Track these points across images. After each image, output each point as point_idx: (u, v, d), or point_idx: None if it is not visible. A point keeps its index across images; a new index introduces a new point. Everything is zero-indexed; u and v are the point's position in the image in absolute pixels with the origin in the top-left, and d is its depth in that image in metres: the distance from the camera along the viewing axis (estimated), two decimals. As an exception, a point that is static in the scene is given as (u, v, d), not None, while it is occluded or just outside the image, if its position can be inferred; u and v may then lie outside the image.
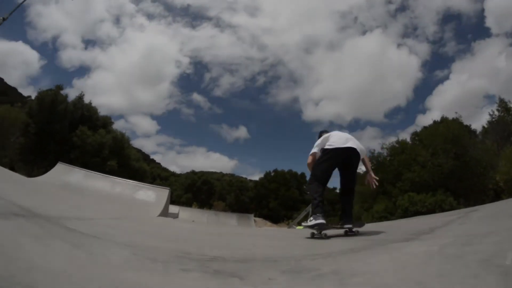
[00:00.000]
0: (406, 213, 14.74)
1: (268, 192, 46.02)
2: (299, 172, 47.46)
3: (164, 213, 5.17)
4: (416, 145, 19.64)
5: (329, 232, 3.35)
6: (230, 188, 52.15)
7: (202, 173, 57.28)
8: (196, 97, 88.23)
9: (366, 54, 79.45)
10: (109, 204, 4.90)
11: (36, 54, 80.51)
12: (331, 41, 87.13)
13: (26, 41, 73.36)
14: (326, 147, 3.56)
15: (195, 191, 51.84)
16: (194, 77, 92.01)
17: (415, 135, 22.05)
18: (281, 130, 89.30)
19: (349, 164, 3.61)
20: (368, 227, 4.40)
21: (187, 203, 41.71)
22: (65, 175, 6.27)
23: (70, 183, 5.92)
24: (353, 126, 68.65)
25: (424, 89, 78.54)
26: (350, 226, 3.46)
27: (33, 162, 26.64)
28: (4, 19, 14.84)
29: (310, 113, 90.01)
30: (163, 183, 57.00)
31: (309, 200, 4.45)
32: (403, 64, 72.73)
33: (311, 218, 3.30)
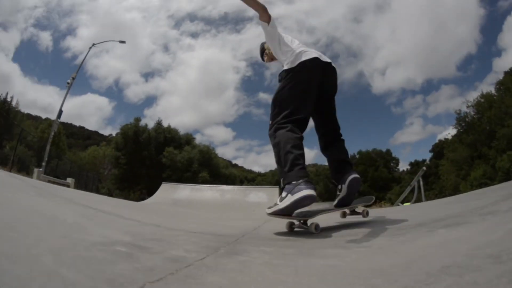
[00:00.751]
0: (509, 175, 12.65)
1: (357, 176, 44.83)
2: (383, 149, 45.02)
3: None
4: (504, 96, 16.94)
5: (321, 220, 2.00)
6: (318, 177, 51.81)
7: None
8: (262, 96, 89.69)
9: (417, 6, 71.79)
10: (232, 211, 5.05)
11: (105, 99, 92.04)
12: (376, 2, 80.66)
13: (93, 91, 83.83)
14: (292, 56, 2.17)
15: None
16: (255, 77, 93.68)
17: (499, 84, 19.10)
18: (353, 109, 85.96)
19: (330, 90, 2.36)
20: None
21: None
22: (172, 193, 6.72)
23: (180, 199, 6.27)
24: (427, 89, 62.81)
25: (491, 26, 67.36)
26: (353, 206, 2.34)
27: (129, 188, 30.06)
28: (73, 78, 17.32)
29: (378, 84, 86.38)
30: (251, 184, 59.48)
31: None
32: (459, 4, 64.40)
33: (284, 194, 1.87)
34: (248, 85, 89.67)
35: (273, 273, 0.92)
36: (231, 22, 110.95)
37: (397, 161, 46.60)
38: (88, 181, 30.01)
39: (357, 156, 46.17)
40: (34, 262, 0.75)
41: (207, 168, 28.78)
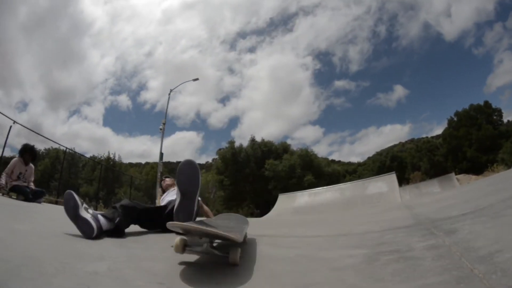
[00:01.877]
0: None
1: (460, 141, 38.83)
2: (481, 103, 38.60)
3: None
4: None
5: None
6: (420, 153, 47.67)
7: (386, 151, 54.81)
8: (338, 84, 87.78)
9: None
10: (358, 207, 5.24)
11: (193, 132, 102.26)
12: None
13: (180, 129, 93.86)
14: None
15: (387, 171, 50.02)
16: (325, 67, 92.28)
17: None
18: (434, 68, 76.78)
19: None
20: None
21: None
22: (291, 202, 7.21)
23: (300, 206, 6.69)
24: (502, 13, 52.32)
25: None
26: None
27: (237, 206, 32.57)
28: (164, 124, 20.13)
29: (449, 29, 78.45)
30: (353, 177, 57.74)
31: None
32: None
33: None
34: (321, 78, 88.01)
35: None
36: (280, 24, 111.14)
37: (499, 112, 38.76)
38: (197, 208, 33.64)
39: (455, 118, 39.91)
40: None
41: (310, 170, 29.31)
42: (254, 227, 4.67)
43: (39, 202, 4.96)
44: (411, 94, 78.17)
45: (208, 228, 1.13)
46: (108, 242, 1.65)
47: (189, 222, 1.18)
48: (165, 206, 2.49)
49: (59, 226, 2.16)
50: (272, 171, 29.36)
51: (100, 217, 1.84)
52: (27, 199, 4.63)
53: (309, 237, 2.17)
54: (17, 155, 5.21)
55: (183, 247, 1.18)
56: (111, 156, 39.35)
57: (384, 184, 5.84)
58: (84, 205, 1.82)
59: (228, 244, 1.31)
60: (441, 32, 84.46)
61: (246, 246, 1.69)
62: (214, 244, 1.25)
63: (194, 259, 1.29)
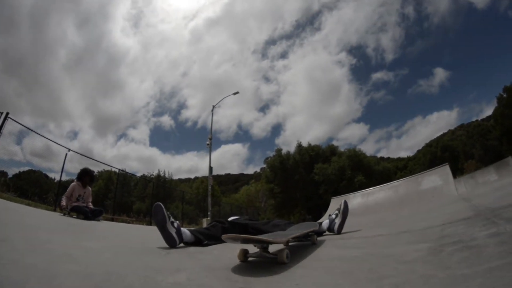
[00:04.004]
0: None
1: (514, 121, 35.26)
2: None
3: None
4: None
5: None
6: (471, 140, 44.52)
7: (436, 142, 52.00)
8: (376, 76, 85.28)
9: None
10: (413, 204, 5.13)
11: (238, 144, 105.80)
12: None
13: (225, 142, 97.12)
14: None
15: (439, 163, 47.48)
16: (360, 61, 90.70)
17: None
18: (471, 39, 70.89)
19: None
20: None
21: None
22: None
23: (354, 208, 6.65)
24: None
25: None
26: None
27: (288, 213, 32.68)
28: (210, 139, 21.00)
29: None
30: (405, 173, 55.43)
31: None
32: None
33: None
34: (358, 73, 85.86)
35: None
36: (307, 24, 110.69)
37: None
38: (249, 216, 34.30)
39: (505, 95, 35.34)
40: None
41: (359, 170, 28.73)
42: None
43: (98, 220, 5.54)
44: (453, 76, 73.22)
45: (255, 237, 1.40)
46: (177, 255, 1.85)
47: (239, 235, 1.47)
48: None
49: (126, 242, 2.51)
50: (321, 175, 29.31)
51: (183, 230, 2.29)
52: (86, 217, 5.17)
53: (371, 237, 2.21)
54: (74, 180, 5.81)
55: (244, 255, 1.48)
56: (161, 173, 41.69)
57: (438, 178, 5.64)
58: (171, 218, 2.21)
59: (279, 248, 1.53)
60: (471, 0, 78.25)
61: (314, 247, 1.93)
62: (269, 249, 1.48)
63: (259, 265, 1.45)
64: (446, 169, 5.67)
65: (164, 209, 2.19)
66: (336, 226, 2.76)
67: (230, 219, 3.44)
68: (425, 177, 5.93)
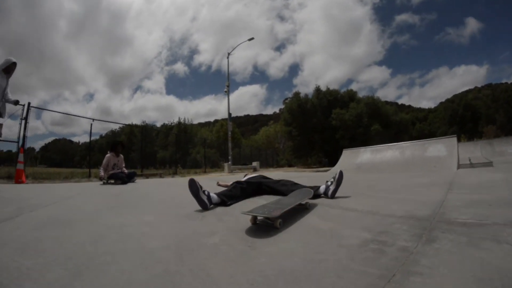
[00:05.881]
0: None
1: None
2: None
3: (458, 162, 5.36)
4: None
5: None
6: (496, 104, 42.38)
7: (460, 99, 50.00)
8: (400, 18, 79.49)
9: None
10: (415, 170, 5.45)
11: (255, 85, 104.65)
12: None
13: (242, 83, 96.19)
14: None
15: (459, 121, 46.88)
16: (383, 1, 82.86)
17: None
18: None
19: None
20: None
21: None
22: (354, 158, 7.75)
23: (363, 163, 7.23)
24: None
25: None
26: None
27: (306, 155, 33.90)
28: (228, 86, 21.63)
29: None
30: (424, 125, 54.51)
31: None
32: None
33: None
34: (382, 12, 79.06)
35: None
36: None
37: None
38: (267, 158, 35.79)
39: None
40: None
41: (377, 119, 28.84)
42: (319, 179, 5.63)
43: (133, 181, 6.55)
44: (486, 29, 66.13)
45: (260, 211, 2.33)
46: (210, 218, 2.73)
47: (254, 211, 2.38)
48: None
49: (168, 208, 3.37)
50: (339, 121, 29.70)
51: (212, 195, 3.22)
52: (123, 182, 6.10)
53: (346, 209, 2.79)
54: (108, 151, 6.66)
55: (254, 220, 2.37)
56: (181, 120, 43.31)
57: (444, 148, 5.86)
58: (203, 188, 3.14)
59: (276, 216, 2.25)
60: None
61: (304, 213, 2.73)
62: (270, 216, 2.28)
63: (262, 228, 2.30)
64: (453, 141, 5.83)
65: (197, 182, 3.11)
66: (330, 192, 3.45)
67: (246, 177, 4.55)
68: (432, 144, 6.10)
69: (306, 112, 31.34)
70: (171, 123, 45.82)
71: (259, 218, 2.38)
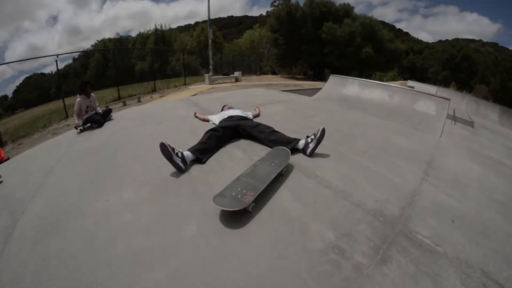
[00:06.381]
0: None
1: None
2: None
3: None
4: None
5: None
6: (496, 68, 40.32)
7: (461, 46, 47.87)
8: None
9: None
10: (398, 122, 5.37)
11: None
12: None
13: None
14: None
15: (454, 68, 45.35)
16: None
17: None
18: None
19: None
20: None
21: (445, 83, 38.34)
22: (341, 87, 7.39)
23: (349, 96, 6.97)
24: None
25: None
26: None
27: (290, 64, 33.05)
28: None
29: None
30: (417, 57, 52.77)
31: None
32: None
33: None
34: None
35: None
36: None
37: None
38: (251, 64, 34.84)
39: None
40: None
41: (370, 42, 27.35)
42: (302, 108, 6.22)
43: (110, 119, 6.30)
44: None
45: (233, 193, 2.43)
46: (186, 194, 2.73)
47: (225, 194, 2.43)
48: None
49: (147, 170, 3.26)
50: (330, 35, 28.05)
51: (186, 154, 3.23)
52: (99, 124, 5.78)
53: (324, 184, 2.83)
54: (77, 95, 6.19)
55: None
56: (157, 27, 40.26)
57: (434, 107, 5.52)
58: (175, 151, 3.11)
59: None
60: None
61: (275, 187, 2.76)
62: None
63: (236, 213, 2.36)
64: (445, 104, 5.31)
65: (168, 146, 3.05)
66: (308, 150, 3.40)
67: (223, 113, 4.63)
68: (422, 98, 5.73)
69: (295, 21, 29.21)
70: (148, 31, 42.44)
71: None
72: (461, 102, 13.01)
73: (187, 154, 3.23)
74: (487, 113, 12.55)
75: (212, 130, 3.77)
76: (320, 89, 8.46)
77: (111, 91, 14.71)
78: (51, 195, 2.90)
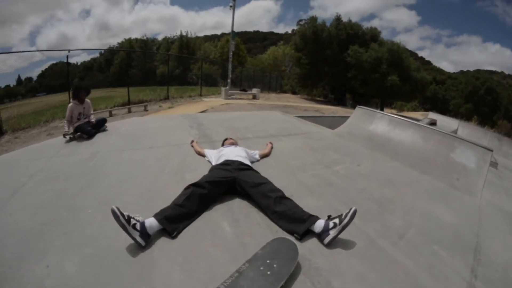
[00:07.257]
0: None
1: None
2: None
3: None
4: None
5: None
6: None
7: (485, 79, 47.31)
8: None
9: None
10: (435, 178, 4.32)
11: (269, 0, 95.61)
12: None
13: None
14: None
15: (477, 101, 44.14)
16: None
17: None
18: None
19: None
20: None
21: (467, 116, 37.18)
22: (368, 122, 6.55)
23: (376, 134, 6.07)
24: None
25: None
26: None
27: (312, 85, 32.38)
28: (234, 0, 18.99)
29: None
30: (440, 88, 52.25)
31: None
32: None
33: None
34: None
35: None
36: None
37: None
38: (271, 81, 34.37)
39: None
40: None
41: (396, 70, 26.43)
42: (323, 148, 5.26)
43: (104, 130, 5.72)
44: None
45: None
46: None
47: None
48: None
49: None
50: (355, 59, 27.31)
51: (149, 224, 2.26)
52: (89, 135, 5.29)
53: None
54: (70, 100, 5.69)
55: None
56: (183, 33, 40.80)
57: (474, 158, 4.53)
58: (131, 221, 2.20)
59: None
60: None
61: None
62: None
63: None
64: (486, 156, 4.39)
65: (120, 216, 2.15)
66: (328, 239, 2.32)
67: (216, 162, 3.46)
68: (461, 146, 4.68)
69: (320, 41, 28.62)
70: (174, 37, 43.07)
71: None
72: (483, 139, 11.92)
73: (151, 224, 2.28)
74: (510, 152, 11.46)
75: (195, 185, 2.75)
76: (342, 117, 7.61)
77: (127, 91, 14.35)
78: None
